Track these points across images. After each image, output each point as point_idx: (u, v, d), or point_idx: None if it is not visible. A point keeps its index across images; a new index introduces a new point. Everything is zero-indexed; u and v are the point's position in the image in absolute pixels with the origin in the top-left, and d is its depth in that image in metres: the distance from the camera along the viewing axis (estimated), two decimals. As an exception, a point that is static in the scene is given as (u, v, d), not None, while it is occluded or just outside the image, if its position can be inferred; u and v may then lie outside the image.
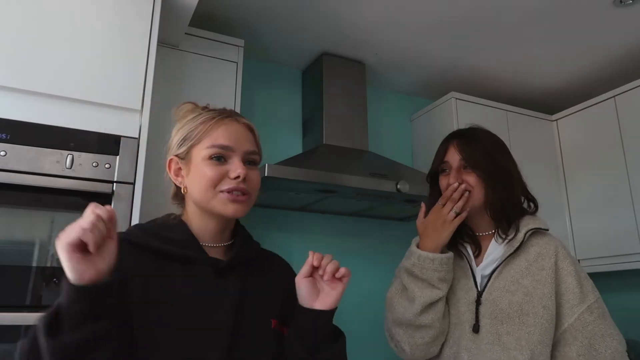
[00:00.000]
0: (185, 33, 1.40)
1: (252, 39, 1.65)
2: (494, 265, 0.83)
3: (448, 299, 0.85)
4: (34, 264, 0.92)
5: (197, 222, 0.68)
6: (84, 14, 1.07)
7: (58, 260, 0.95)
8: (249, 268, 0.70)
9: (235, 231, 0.73)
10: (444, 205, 0.84)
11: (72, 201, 0.97)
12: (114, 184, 1.00)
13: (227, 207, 0.65)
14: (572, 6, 1.50)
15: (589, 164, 1.89)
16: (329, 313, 0.65)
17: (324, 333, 0.65)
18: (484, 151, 0.84)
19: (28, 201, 0.95)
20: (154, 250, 0.63)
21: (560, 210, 1.93)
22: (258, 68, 1.80)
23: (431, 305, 0.80)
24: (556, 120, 2.05)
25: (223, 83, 1.47)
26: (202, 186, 0.65)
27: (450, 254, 0.82)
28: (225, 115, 0.68)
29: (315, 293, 0.65)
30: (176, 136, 0.69)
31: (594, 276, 0.84)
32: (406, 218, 1.88)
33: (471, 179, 0.83)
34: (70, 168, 0.97)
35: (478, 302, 0.81)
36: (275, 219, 1.69)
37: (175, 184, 0.70)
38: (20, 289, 0.90)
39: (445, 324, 0.82)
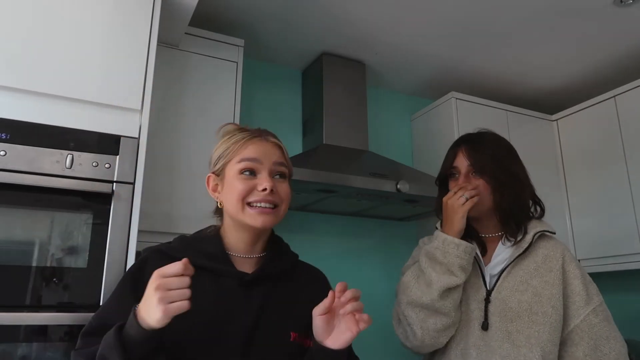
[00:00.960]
0: (185, 33, 1.40)
1: (252, 38, 1.65)
2: (503, 266, 0.84)
3: None
4: (34, 264, 0.92)
5: (233, 234, 0.73)
6: (84, 14, 1.07)
7: (58, 260, 0.95)
8: (279, 281, 0.73)
9: (270, 242, 0.77)
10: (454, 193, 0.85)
11: (72, 201, 0.97)
12: (114, 183, 1.00)
13: (256, 220, 0.69)
14: (572, 6, 1.50)
15: (589, 164, 1.89)
16: (341, 352, 0.64)
17: None
18: (492, 157, 0.85)
19: (28, 201, 0.94)
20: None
21: (560, 210, 1.93)
22: (258, 68, 1.80)
23: (449, 291, 0.80)
24: (556, 120, 2.05)
25: (223, 83, 1.46)
26: (234, 199, 0.70)
27: (474, 246, 0.83)
28: (256, 134, 0.74)
29: (328, 330, 0.65)
30: (214, 154, 0.75)
31: (594, 276, 0.86)
32: (406, 218, 1.88)
33: (479, 183, 0.84)
34: (70, 168, 0.97)
35: (487, 301, 0.82)
36: (275, 219, 1.70)
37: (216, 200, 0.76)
38: (20, 288, 0.89)
39: (458, 315, 0.82)
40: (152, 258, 0.70)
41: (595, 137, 1.88)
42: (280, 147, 0.75)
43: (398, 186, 1.44)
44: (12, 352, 0.88)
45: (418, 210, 1.70)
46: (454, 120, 1.82)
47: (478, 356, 0.79)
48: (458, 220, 0.82)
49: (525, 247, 0.83)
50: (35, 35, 1.01)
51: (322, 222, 1.77)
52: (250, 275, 0.70)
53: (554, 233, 0.87)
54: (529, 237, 0.83)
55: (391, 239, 1.87)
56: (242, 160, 0.70)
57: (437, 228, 0.90)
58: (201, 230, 0.77)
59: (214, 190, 0.75)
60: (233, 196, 0.70)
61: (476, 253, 0.87)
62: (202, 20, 1.52)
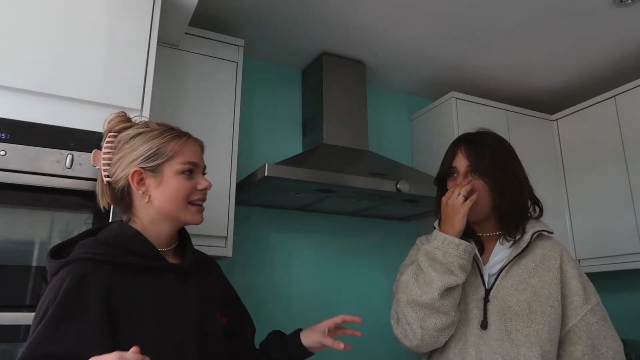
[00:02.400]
0: (185, 33, 1.40)
1: (252, 38, 1.65)
2: (501, 265, 0.85)
3: None
4: (34, 264, 0.92)
5: (154, 228, 0.76)
6: (84, 14, 1.07)
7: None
8: (197, 269, 0.79)
9: (179, 234, 0.82)
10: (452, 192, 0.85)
11: (72, 201, 0.97)
12: (114, 183, 1.00)
13: (196, 217, 0.77)
14: (572, 6, 1.50)
15: (589, 163, 1.89)
16: (311, 353, 0.83)
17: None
18: (491, 157, 0.84)
19: (28, 201, 0.94)
20: (123, 265, 0.69)
21: (560, 210, 1.93)
22: (258, 68, 1.80)
23: (449, 290, 0.80)
24: (556, 120, 2.04)
25: (223, 83, 1.46)
26: (176, 198, 0.75)
27: (474, 245, 0.83)
28: (188, 135, 0.80)
29: (318, 337, 0.82)
30: (139, 149, 0.75)
31: (594, 276, 0.87)
32: (406, 218, 1.88)
33: (478, 184, 0.84)
34: (70, 168, 0.97)
35: (486, 300, 0.82)
36: (274, 219, 1.69)
37: (111, 190, 0.77)
38: (20, 288, 0.89)
39: (457, 315, 0.82)
40: (86, 270, 0.66)
41: (595, 137, 1.88)
42: (203, 149, 0.82)
43: (398, 186, 1.44)
44: (12, 352, 0.88)
45: (418, 210, 1.70)
46: (454, 120, 1.81)
47: (477, 355, 0.79)
48: (459, 221, 0.81)
49: (524, 247, 0.83)
50: (35, 35, 1.01)
51: (322, 222, 1.77)
52: (184, 268, 0.75)
53: (552, 233, 0.87)
54: (527, 237, 0.83)
55: (391, 238, 1.87)
56: (186, 162, 0.75)
57: (435, 227, 0.90)
58: (111, 229, 0.75)
59: (139, 184, 0.74)
60: (175, 195, 0.74)
61: (475, 252, 0.87)
62: (202, 20, 1.52)
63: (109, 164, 0.77)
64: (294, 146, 1.79)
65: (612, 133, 1.81)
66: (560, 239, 0.90)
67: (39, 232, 0.94)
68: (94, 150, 0.81)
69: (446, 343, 0.84)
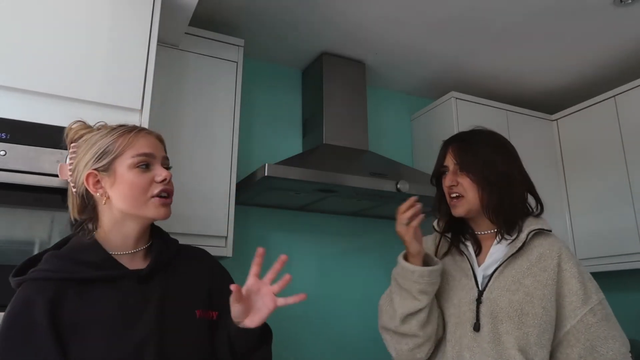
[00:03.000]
0: (185, 33, 1.40)
1: (252, 38, 1.65)
2: (496, 265, 0.83)
3: (450, 299, 0.86)
4: (34, 264, 0.92)
5: (117, 230, 0.72)
6: (84, 14, 1.07)
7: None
8: (170, 267, 0.75)
9: (152, 233, 0.77)
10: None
11: (72, 201, 0.97)
12: (114, 183, 1.00)
13: (159, 211, 0.72)
14: (572, 6, 1.50)
15: (589, 163, 1.89)
16: (256, 329, 0.70)
17: (251, 342, 0.70)
18: (479, 156, 0.84)
19: (28, 201, 0.94)
20: (71, 279, 0.66)
21: (560, 210, 1.93)
22: (258, 68, 1.80)
23: (411, 315, 0.81)
24: (556, 120, 2.04)
25: (223, 83, 1.46)
26: (134, 193, 0.70)
27: (433, 268, 0.82)
28: (140, 128, 0.76)
29: (246, 311, 0.70)
30: (90, 152, 0.72)
31: (594, 276, 0.84)
32: (406, 218, 1.87)
33: (465, 182, 0.84)
34: (70, 168, 0.97)
35: (479, 301, 0.81)
36: (275, 219, 1.69)
37: (78, 195, 0.73)
38: (20, 288, 0.89)
39: (430, 331, 0.82)
40: (30, 291, 0.64)
41: (595, 136, 1.87)
42: (163, 142, 0.78)
43: (398, 186, 1.44)
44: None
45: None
46: (454, 120, 1.81)
47: (471, 358, 0.79)
48: (409, 244, 0.81)
49: (519, 246, 0.81)
50: (35, 35, 1.01)
51: (322, 222, 1.77)
52: (145, 272, 0.71)
53: (550, 230, 0.84)
54: (523, 236, 0.82)
55: (391, 238, 1.85)
56: (137, 154, 0.71)
57: (433, 227, 0.91)
58: (73, 241, 0.73)
59: (95, 187, 0.71)
60: (133, 190, 0.70)
61: (468, 253, 0.87)
62: (202, 20, 1.52)
63: (71, 174, 0.75)
64: (294, 146, 1.79)
65: (612, 133, 1.81)
66: (558, 237, 0.87)
67: (39, 232, 0.94)
68: (59, 164, 0.79)
69: (444, 346, 0.84)
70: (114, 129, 0.74)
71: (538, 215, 0.86)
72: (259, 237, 1.65)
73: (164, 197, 0.72)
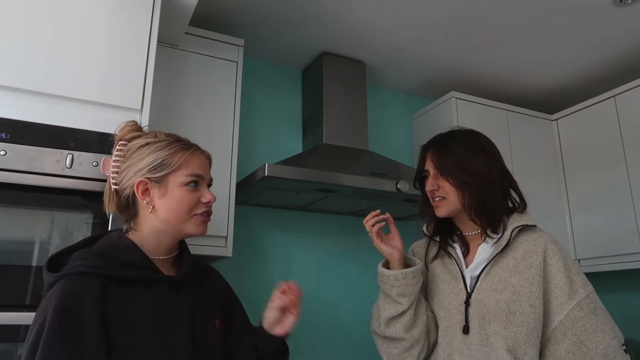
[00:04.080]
0: (185, 33, 1.40)
1: (252, 38, 1.64)
2: (483, 265, 0.83)
3: (440, 302, 0.86)
4: (34, 264, 0.92)
5: (155, 238, 0.77)
6: (84, 14, 1.07)
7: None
8: (194, 278, 0.80)
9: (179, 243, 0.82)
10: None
11: (72, 201, 0.96)
12: (114, 183, 1.00)
13: (199, 228, 0.78)
14: (572, 6, 1.50)
15: (589, 163, 1.88)
16: (284, 338, 0.81)
17: (275, 350, 0.80)
18: (456, 160, 0.85)
19: (28, 201, 0.94)
20: (115, 277, 0.69)
21: (560, 210, 1.92)
22: (258, 67, 1.80)
23: (394, 318, 0.83)
24: (556, 119, 2.04)
25: (223, 83, 1.46)
26: (179, 210, 0.75)
27: (408, 270, 0.83)
28: (195, 147, 0.81)
29: (278, 320, 0.80)
30: (146, 159, 0.76)
31: (594, 276, 0.84)
32: (406, 218, 1.87)
33: (445, 185, 0.86)
34: (70, 167, 0.97)
35: (467, 303, 0.81)
36: (275, 219, 1.69)
37: (117, 197, 0.78)
38: (20, 288, 0.89)
39: (417, 334, 0.83)
40: (78, 285, 0.66)
41: (595, 136, 1.87)
42: (211, 161, 0.83)
43: (398, 186, 1.44)
44: (12, 352, 0.88)
45: (418, 210, 1.70)
46: (454, 120, 1.81)
47: None
48: (378, 248, 0.86)
49: (504, 245, 0.81)
50: (35, 34, 1.01)
51: (322, 222, 1.76)
52: (179, 277, 0.76)
53: (535, 225, 0.83)
54: (507, 234, 0.81)
55: (391, 238, 1.86)
56: (191, 174, 0.76)
57: (423, 231, 0.94)
58: (108, 239, 0.76)
59: (144, 194, 0.75)
60: (180, 206, 0.75)
61: (456, 256, 0.87)
62: (202, 20, 1.52)
63: (117, 172, 0.78)
64: (294, 146, 1.79)
65: (612, 133, 1.80)
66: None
67: (39, 232, 0.94)
68: (103, 158, 0.83)
69: (436, 350, 0.84)
70: (171, 142, 0.78)
71: (522, 211, 0.86)
72: (259, 237, 1.65)
73: (204, 216, 0.78)
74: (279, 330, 0.79)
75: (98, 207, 0.97)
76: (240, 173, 1.49)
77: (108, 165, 0.79)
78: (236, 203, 1.41)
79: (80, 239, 0.93)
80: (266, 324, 0.80)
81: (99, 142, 1.01)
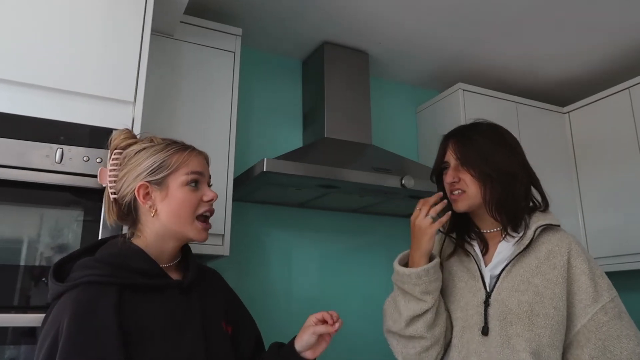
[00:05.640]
0: (180, 21, 1.37)
1: (250, 27, 1.61)
2: (504, 265, 0.81)
3: (456, 302, 0.84)
4: (22, 263, 0.90)
5: (158, 244, 0.77)
6: (75, 3, 1.04)
7: (47, 259, 0.92)
8: (200, 282, 0.80)
9: (182, 248, 0.83)
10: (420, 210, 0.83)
11: (62, 197, 0.95)
12: (105, 179, 0.97)
13: (201, 235, 0.78)
14: (587, -8, 1.44)
15: (602, 158, 1.85)
16: None
17: None
18: (478, 151, 0.83)
19: (16, 197, 0.92)
20: (128, 284, 0.70)
21: (572, 207, 1.90)
22: (256, 58, 1.77)
23: (417, 317, 0.80)
24: (568, 112, 2.01)
25: (220, 73, 1.44)
26: (182, 211, 0.76)
27: (428, 266, 0.80)
28: (192, 148, 0.82)
29: (312, 345, 0.79)
30: (144, 164, 0.77)
31: (608, 275, 0.81)
32: (411, 214, 1.83)
33: (467, 178, 0.83)
34: (60, 162, 0.95)
35: (487, 304, 0.79)
36: (274, 216, 1.66)
37: (117, 206, 0.78)
38: (7, 289, 0.87)
39: (438, 333, 0.81)
40: (93, 294, 0.67)
41: (608, 130, 1.84)
42: (209, 162, 0.84)
43: (402, 181, 1.42)
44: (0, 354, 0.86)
45: (423, 206, 1.67)
46: (461, 112, 1.78)
47: None
48: (426, 242, 0.80)
49: (526, 244, 0.79)
50: (24, 25, 0.98)
51: (324, 219, 1.74)
52: (187, 283, 0.76)
53: (559, 225, 0.82)
54: (530, 233, 0.80)
55: (396, 236, 1.83)
56: (191, 172, 0.77)
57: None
58: (113, 246, 0.76)
59: (145, 199, 0.76)
60: (182, 208, 0.75)
61: (474, 254, 0.85)
62: (198, 8, 1.49)
63: (115, 181, 0.79)
64: (294, 140, 1.76)
65: (626, 126, 1.77)
66: (569, 232, 0.85)
67: (28, 229, 0.92)
68: (100, 169, 0.83)
69: (449, 351, 0.82)
70: (168, 144, 0.79)
71: (544, 210, 0.84)
72: (258, 235, 1.63)
73: (207, 221, 0.79)
74: (309, 355, 0.79)
75: (89, 203, 0.95)
76: (238, 168, 1.47)
77: (105, 176, 0.80)
78: (234, 200, 1.40)
79: (70, 237, 0.93)
80: (299, 346, 0.79)
81: (90, 136, 0.99)
